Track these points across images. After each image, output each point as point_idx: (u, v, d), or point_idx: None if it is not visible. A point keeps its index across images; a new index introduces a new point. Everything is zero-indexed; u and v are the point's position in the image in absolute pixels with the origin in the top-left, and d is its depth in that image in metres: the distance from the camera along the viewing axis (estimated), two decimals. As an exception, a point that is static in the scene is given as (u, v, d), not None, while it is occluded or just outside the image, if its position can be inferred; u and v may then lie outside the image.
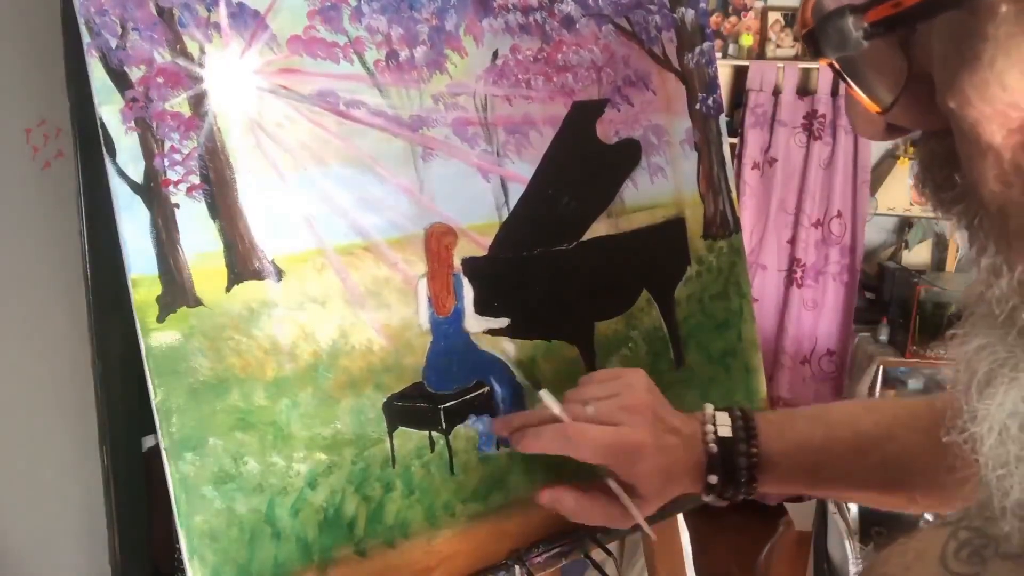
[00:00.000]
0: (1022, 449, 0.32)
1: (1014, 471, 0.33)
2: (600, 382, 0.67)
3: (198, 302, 0.60)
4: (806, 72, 2.83)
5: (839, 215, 2.80)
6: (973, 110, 0.28)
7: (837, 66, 0.33)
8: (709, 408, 0.69)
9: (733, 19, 2.93)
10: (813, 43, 0.32)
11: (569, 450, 0.63)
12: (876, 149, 2.87)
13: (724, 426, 0.67)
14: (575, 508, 0.67)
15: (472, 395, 0.74)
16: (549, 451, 0.64)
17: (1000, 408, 0.32)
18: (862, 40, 0.30)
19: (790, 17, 2.91)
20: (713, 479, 0.66)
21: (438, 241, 0.71)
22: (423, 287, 0.70)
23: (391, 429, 0.69)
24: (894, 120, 0.34)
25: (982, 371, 0.33)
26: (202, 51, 0.60)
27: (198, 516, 0.60)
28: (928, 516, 1.08)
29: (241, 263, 0.62)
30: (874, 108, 0.33)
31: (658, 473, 0.64)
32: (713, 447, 0.66)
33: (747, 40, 2.92)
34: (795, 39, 2.88)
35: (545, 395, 0.66)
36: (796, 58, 2.86)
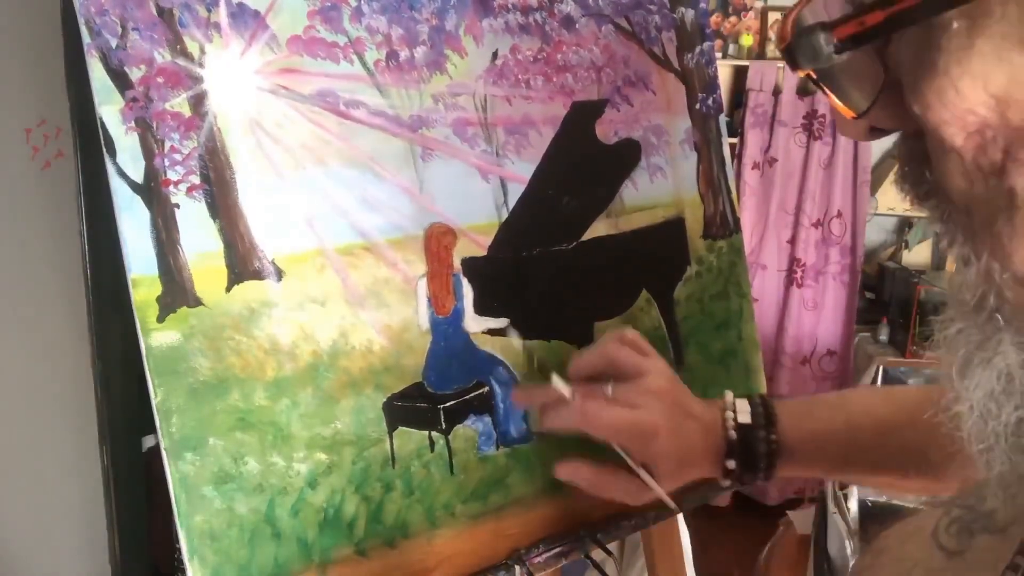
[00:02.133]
0: (1002, 427, 0.35)
1: (995, 447, 0.35)
2: (625, 360, 0.69)
3: (198, 302, 0.60)
4: (806, 72, 2.83)
5: (839, 215, 2.80)
6: (935, 114, 0.30)
7: (814, 76, 0.36)
8: (729, 395, 0.71)
9: (733, 19, 2.93)
10: (791, 57, 0.34)
11: (585, 428, 0.66)
12: (876, 149, 2.87)
13: (744, 412, 0.69)
14: (593, 480, 0.68)
15: (472, 395, 0.74)
16: (566, 428, 0.67)
17: (977, 388, 0.35)
18: (834, 54, 0.33)
19: (790, 17, 2.91)
20: (732, 464, 0.68)
21: (438, 241, 0.71)
22: (423, 287, 0.71)
23: (391, 429, 0.69)
24: (875, 123, 0.37)
25: (961, 354, 0.36)
26: (202, 51, 0.60)
27: (198, 516, 0.60)
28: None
29: (241, 263, 0.62)
30: (849, 114, 0.36)
31: (672, 455, 0.66)
32: (732, 433, 0.68)
33: (747, 40, 2.92)
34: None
35: (556, 380, 0.68)
36: (796, 58, 2.86)
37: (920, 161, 0.35)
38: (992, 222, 0.31)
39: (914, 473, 0.68)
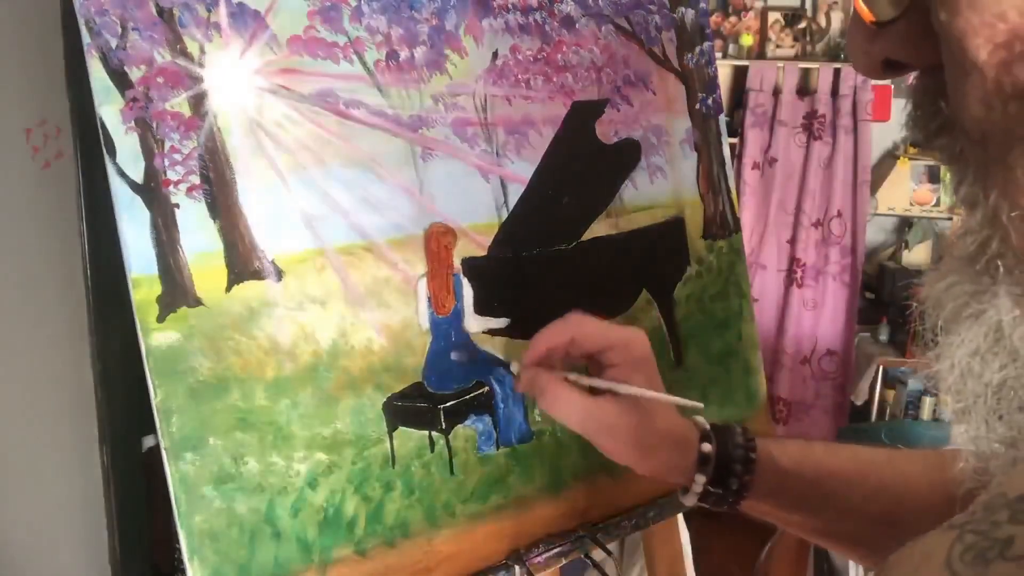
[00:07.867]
0: (983, 386, 0.33)
1: (972, 408, 0.34)
2: (594, 331, 0.67)
3: (198, 302, 0.60)
4: (806, 72, 2.83)
5: (839, 215, 2.80)
6: (962, 20, 0.29)
7: None
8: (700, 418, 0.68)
9: (733, 19, 2.93)
10: None
11: (543, 404, 0.64)
12: (876, 149, 2.87)
13: (717, 421, 0.68)
14: (547, 389, 0.64)
15: (472, 395, 0.74)
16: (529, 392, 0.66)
17: (962, 345, 0.34)
18: None
19: (790, 17, 2.91)
20: (707, 447, 0.64)
21: (438, 241, 0.71)
22: (423, 287, 0.71)
23: (391, 429, 0.69)
24: (892, 52, 0.35)
25: (949, 307, 0.34)
26: (202, 51, 0.60)
27: (198, 516, 0.60)
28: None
29: (241, 263, 0.62)
30: (869, 17, 0.34)
31: (633, 448, 0.64)
32: (708, 432, 0.65)
33: (747, 40, 2.92)
34: (795, 39, 2.88)
35: (515, 367, 0.68)
36: (796, 58, 2.86)
37: (935, 94, 0.34)
38: (1006, 153, 0.30)
39: (881, 524, 0.64)
